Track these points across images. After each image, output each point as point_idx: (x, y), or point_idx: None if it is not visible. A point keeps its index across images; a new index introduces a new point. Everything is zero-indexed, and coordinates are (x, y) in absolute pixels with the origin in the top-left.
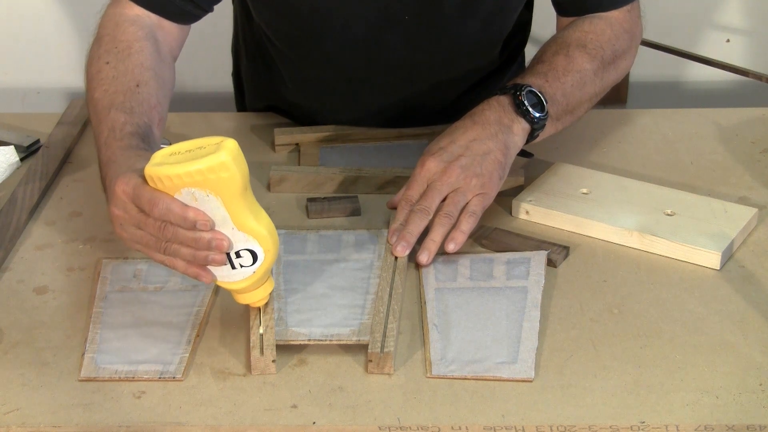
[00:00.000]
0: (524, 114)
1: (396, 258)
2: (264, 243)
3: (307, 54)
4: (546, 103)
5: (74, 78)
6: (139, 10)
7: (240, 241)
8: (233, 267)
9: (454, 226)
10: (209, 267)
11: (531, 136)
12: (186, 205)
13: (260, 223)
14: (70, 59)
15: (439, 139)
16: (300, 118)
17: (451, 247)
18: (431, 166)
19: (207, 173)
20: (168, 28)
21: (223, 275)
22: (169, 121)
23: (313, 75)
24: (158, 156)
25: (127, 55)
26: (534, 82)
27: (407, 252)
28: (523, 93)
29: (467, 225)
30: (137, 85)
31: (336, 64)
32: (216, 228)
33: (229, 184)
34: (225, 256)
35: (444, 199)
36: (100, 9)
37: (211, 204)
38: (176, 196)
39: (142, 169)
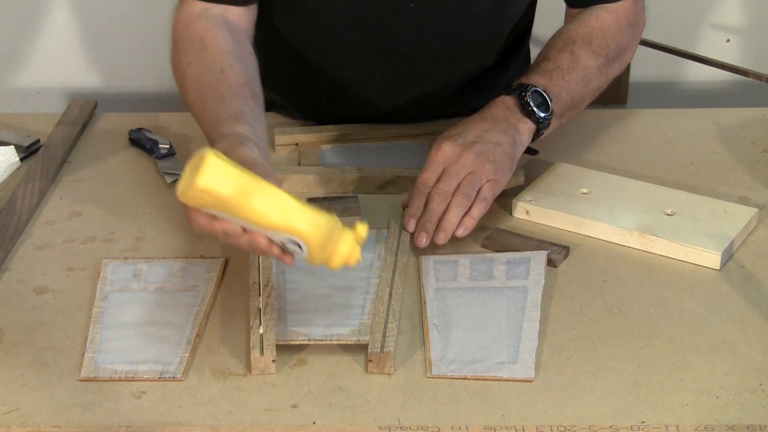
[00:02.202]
0: (530, 114)
1: (396, 258)
2: (296, 233)
3: (314, 40)
4: (551, 102)
5: (74, 78)
6: (203, 4)
7: (276, 235)
8: (293, 249)
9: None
10: None
11: (536, 135)
12: (212, 218)
13: (283, 216)
14: (70, 59)
15: (450, 129)
16: (303, 107)
17: (460, 231)
18: (447, 149)
19: (200, 196)
20: (235, 13)
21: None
22: (170, 121)
23: (319, 61)
24: (186, 169)
25: (204, 48)
26: (539, 81)
27: (428, 242)
28: (528, 93)
29: (478, 211)
30: (221, 72)
31: (341, 51)
32: (249, 229)
33: (220, 200)
34: (274, 250)
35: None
36: (169, 14)
37: (225, 216)
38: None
39: None
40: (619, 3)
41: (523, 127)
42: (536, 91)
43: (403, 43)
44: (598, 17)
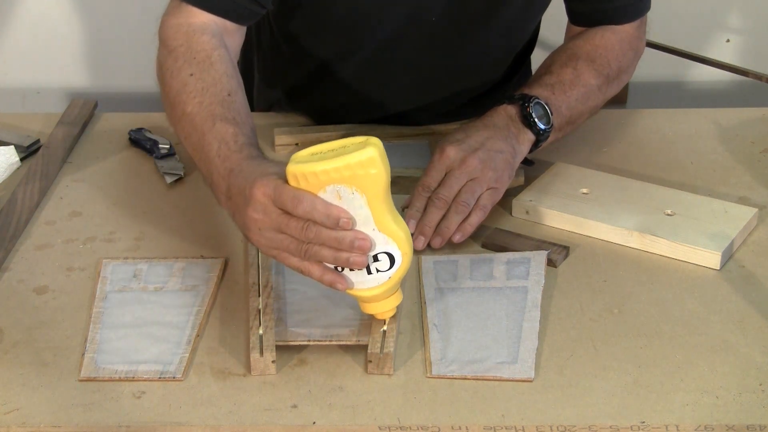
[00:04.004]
0: (531, 126)
1: None
2: (402, 246)
3: (330, 46)
4: (551, 115)
5: (74, 78)
6: (204, 18)
7: (380, 243)
8: (369, 272)
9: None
10: (346, 273)
11: (534, 146)
12: (329, 203)
13: (399, 225)
14: (71, 59)
15: (453, 133)
16: (309, 109)
17: (457, 237)
18: (451, 153)
19: (356, 168)
20: (231, 31)
21: (358, 281)
22: None
23: (333, 67)
24: (299, 156)
25: (209, 65)
26: (541, 94)
27: (425, 245)
28: (531, 105)
29: (476, 218)
30: (229, 95)
31: (356, 58)
32: (357, 228)
33: (375, 180)
34: (366, 257)
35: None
36: (156, 20)
37: (354, 202)
38: (319, 194)
39: (278, 173)
40: (624, 26)
41: (523, 137)
42: (539, 103)
43: (421, 55)
44: (603, 36)
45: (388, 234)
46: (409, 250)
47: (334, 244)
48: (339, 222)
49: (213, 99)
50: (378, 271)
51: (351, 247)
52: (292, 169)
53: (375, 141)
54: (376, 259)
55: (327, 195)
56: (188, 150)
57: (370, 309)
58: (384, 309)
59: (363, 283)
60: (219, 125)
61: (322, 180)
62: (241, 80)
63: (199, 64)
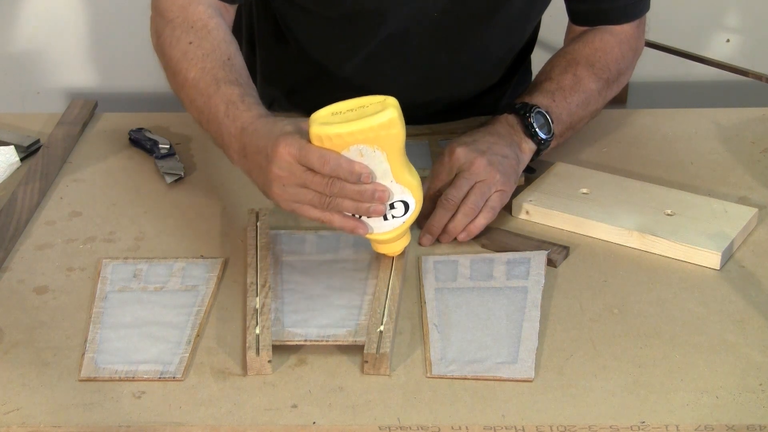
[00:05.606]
0: (532, 136)
1: (393, 258)
2: (416, 194)
3: (330, 43)
4: (552, 123)
5: (74, 78)
6: None
7: (396, 193)
8: (385, 218)
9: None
10: (363, 219)
11: (535, 154)
12: (352, 160)
13: (413, 175)
14: (70, 59)
15: (461, 137)
16: (307, 106)
17: (462, 236)
18: (461, 155)
19: (378, 130)
20: (224, 6)
21: (375, 227)
22: (170, 121)
23: (332, 64)
24: (320, 117)
25: (207, 32)
26: (542, 102)
27: (431, 243)
28: (532, 114)
29: (484, 219)
30: (228, 59)
31: (357, 55)
32: (377, 181)
33: (396, 139)
34: (384, 207)
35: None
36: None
37: (375, 159)
38: (342, 153)
39: (296, 131)
40: (623, 26)
41: (525, 146)
42: (539, 112)
43: (422, 53)
44: (602, 39)
45: (404, 184)
46: (420, 197)
47: (356, 197)
48: (360, 177)
49: (214, 64)
50: (393, 217)
51: (372, 198)
52: (317, 131)
53: (393, 101)
54: (392, 207)
55: (350, 153)
56: (193, 114)
57: (383, 249)
58: (396, 249)
59: (379, 228)
60: (224, 87)
61: (346, 141)
62: (238, 46)
63: (197, 32)
